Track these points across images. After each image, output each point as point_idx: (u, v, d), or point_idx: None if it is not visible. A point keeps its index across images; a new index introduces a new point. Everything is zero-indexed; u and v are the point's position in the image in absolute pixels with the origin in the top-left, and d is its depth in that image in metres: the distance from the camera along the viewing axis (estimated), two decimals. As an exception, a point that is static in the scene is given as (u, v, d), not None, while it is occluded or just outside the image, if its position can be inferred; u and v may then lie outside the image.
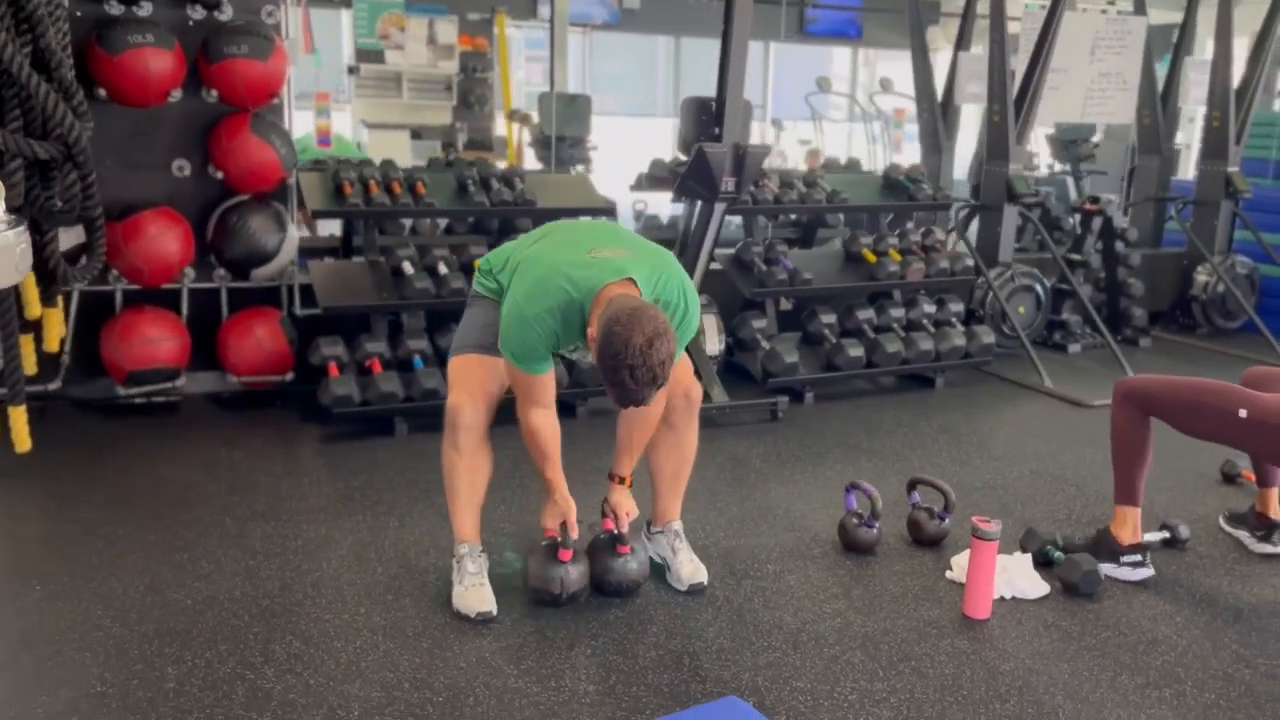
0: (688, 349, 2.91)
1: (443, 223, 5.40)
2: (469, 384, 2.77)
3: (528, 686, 2.48)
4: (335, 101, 13.45)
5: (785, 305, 5.38)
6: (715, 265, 5.02)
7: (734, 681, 2.53)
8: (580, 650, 2.65)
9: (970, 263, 5.35)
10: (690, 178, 4.31)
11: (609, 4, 14.22)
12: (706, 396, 4.47)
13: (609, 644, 2.69)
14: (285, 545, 3.19)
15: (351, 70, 12.22)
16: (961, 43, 6.18)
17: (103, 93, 4.09)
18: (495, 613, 2.79)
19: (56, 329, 3.91)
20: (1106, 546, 3.14)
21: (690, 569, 3.01)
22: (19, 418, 3.67)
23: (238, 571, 3.02)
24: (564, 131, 5.96)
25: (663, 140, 14.53)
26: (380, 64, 12.69)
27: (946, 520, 3.33)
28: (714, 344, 4.76)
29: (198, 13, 4.31)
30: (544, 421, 2.72)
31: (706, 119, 4.31)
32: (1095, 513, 3.63)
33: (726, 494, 3.74)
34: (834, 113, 14.21)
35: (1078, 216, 6.27)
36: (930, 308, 5.25)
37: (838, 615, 2.87)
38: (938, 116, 6.11)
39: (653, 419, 2.83)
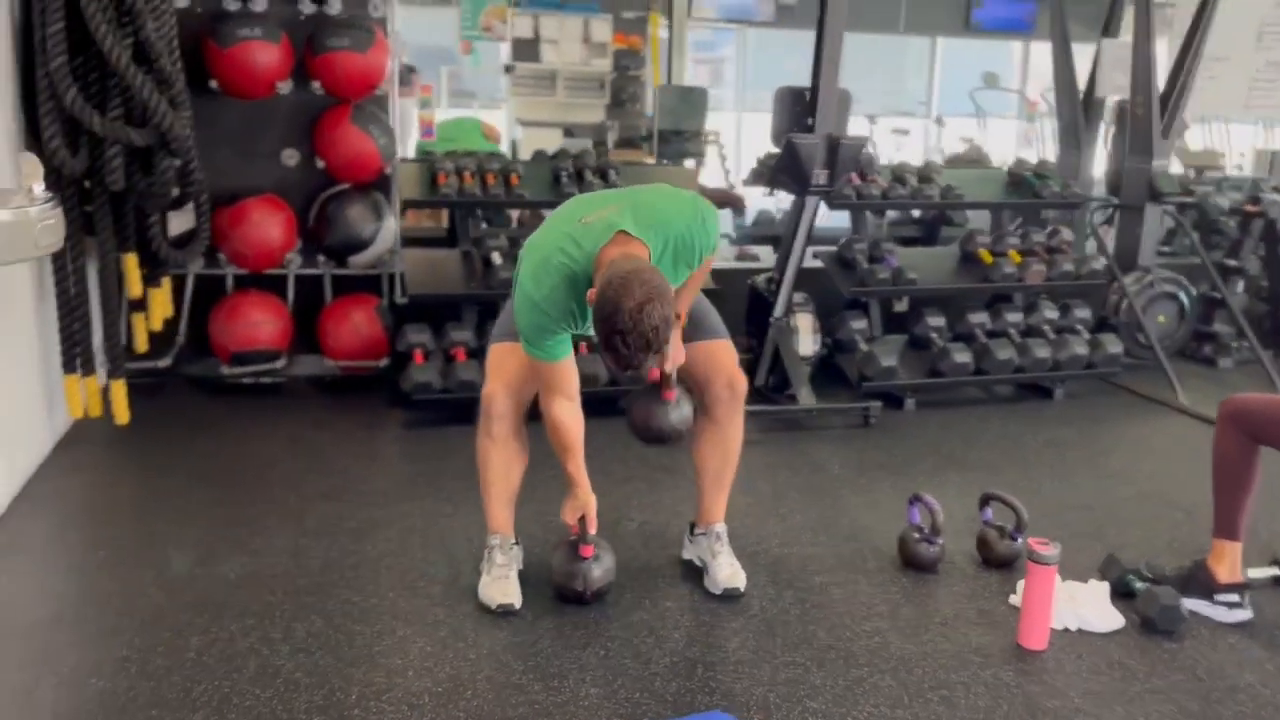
0: (714, 337, 2.80)
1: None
2: (503, 373, 2.74)
3: (529, 684, 2.43)
4: (492, 99, 13.83)
5: (900, 306, 5.13)
6: (815, 263, 4.84)
7: (744, 695, 2.40)
8: (593, 651, 2.58)
9: (1099, 266, 4.96)
10: (781, 170, 4.16)
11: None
12: (791, 398, 4.32)
13: (624, 646, 2.60)
14: (338, 526, 3.24)
15: (508, 69, 12.51)
16: (1108, 28, 5.75)
17: (214, 84, 4.27)
18: (517, 606, 2.75)
19: (160, 309, 4.11)
20: (1200, 582, 2.83)
21: (728, 573, 2.89)
22: (118, 391, 3.89)
23: (286, 549, 3.08)
24: (679, 125, 5.86)
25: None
26: (536, 62, 12.94)
27: (1019, 540, 3.08)
28: (808, 344, 4.58)
29: (308, 7, 4.44)
30: (566, 413, 2.65)
31: (800, 109, 4.14)
32: (1202, 543, 3.24)
33: (794, 499, 3.58)
34: (1006, 110, 13.60)
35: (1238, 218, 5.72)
36: (1052, 313, 4.91)
37: (876, 634, 2.69)
38: (1078, 109, 5.70)
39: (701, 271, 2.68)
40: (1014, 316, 4.85)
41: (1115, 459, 4.05)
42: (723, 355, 2.83)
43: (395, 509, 3.39)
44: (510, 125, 11.88)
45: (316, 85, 4.42)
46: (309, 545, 3.11)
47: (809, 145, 4.05)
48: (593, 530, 2.74)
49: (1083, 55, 5.77)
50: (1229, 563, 2.79)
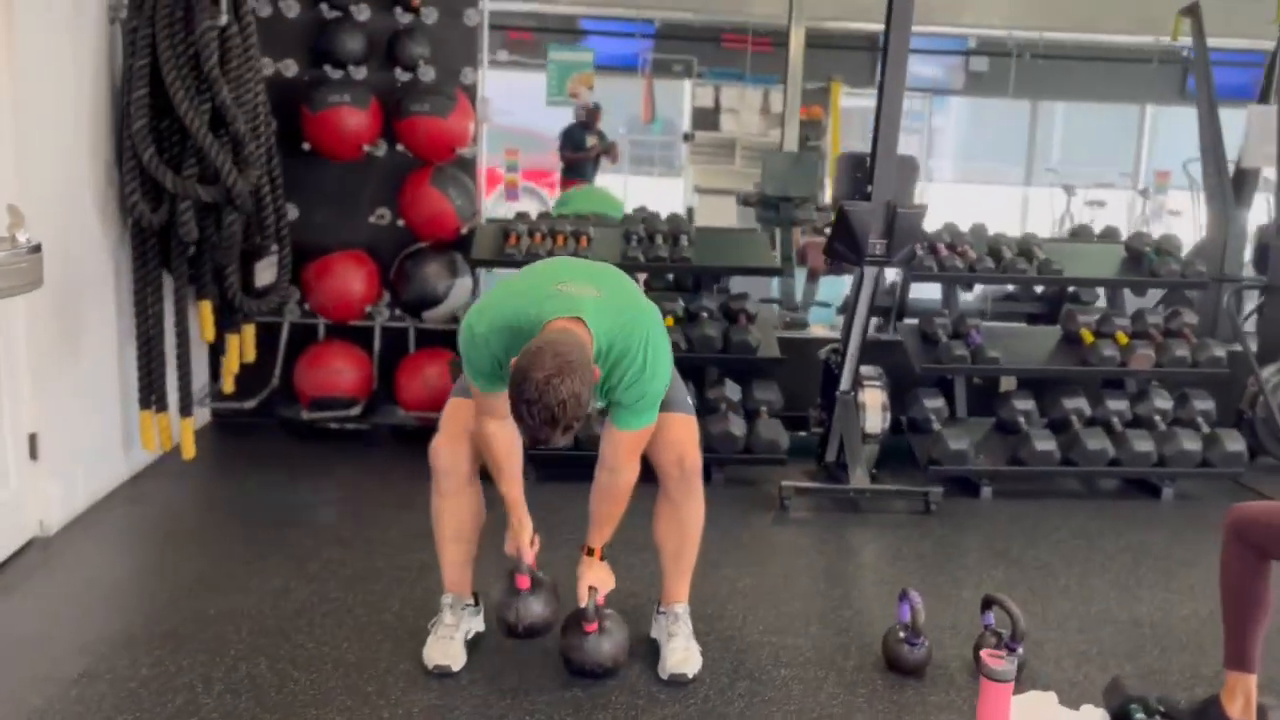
0: (669, 410, 2.67)
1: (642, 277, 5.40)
2: (451, 426, 2.72)
3: (423, 749, 2.38)
4: (670, 166, 14.07)
5: (1008, 386, 4.78)
6: (892, 336, 4.61)
7: (633, 790, 2.26)
8: (506, 723, 2.51)
9: (1221, 353, 4.44)
10: (836, 238, 3.99)
11: (954, 67, 13.64)
12: (834, 478, 4.10)
13: (539, 722, 2.51)
14: (334, 572, 3.32)
15: (687, 137, 12.73)
16: (1265, 95, 5.21)
17: (306, 146, 4.57)
18: (454, 669, 2.72)
19: (235, 354, 4.38)
20: (1213, 718, 2.44)
21: (678, 657, 2.75)
22: (186, 429, 4.17)
23: (273, 590, 3.18)
24: (786, 191, 5.74)
25: (1008, 207, 13.61)
26: (715, 131, 13.10)
27: (1017, 651, 2.76)
28: (875, 421, 4.33)
29: (405, 75, 4.68)
30: (496, 430, 2.56)
31: (861, 176, 3.97)
32: (1266, 674, 2.85)
33: (804, 584, 3.38)
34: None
35: None
36: (1164, 403, 4.43)
37: (812, 740, 2.48)
38: (1225, 180, 5.17)
39: (616, 488, 2.62)
40: (1118, 404, 4.42)
41: (1196, 572, 3.58)
42: (674, 430, 2.71)
43: (397, 559, 3.44)
44: (687, 193, 12.05)
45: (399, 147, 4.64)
46: (296, 588, 3.20)
47: (861, 213, 3.87)
48: (528, 560, 2.66)
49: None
50: (1242, 698, 2.40)
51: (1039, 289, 5.38)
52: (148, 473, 4.18)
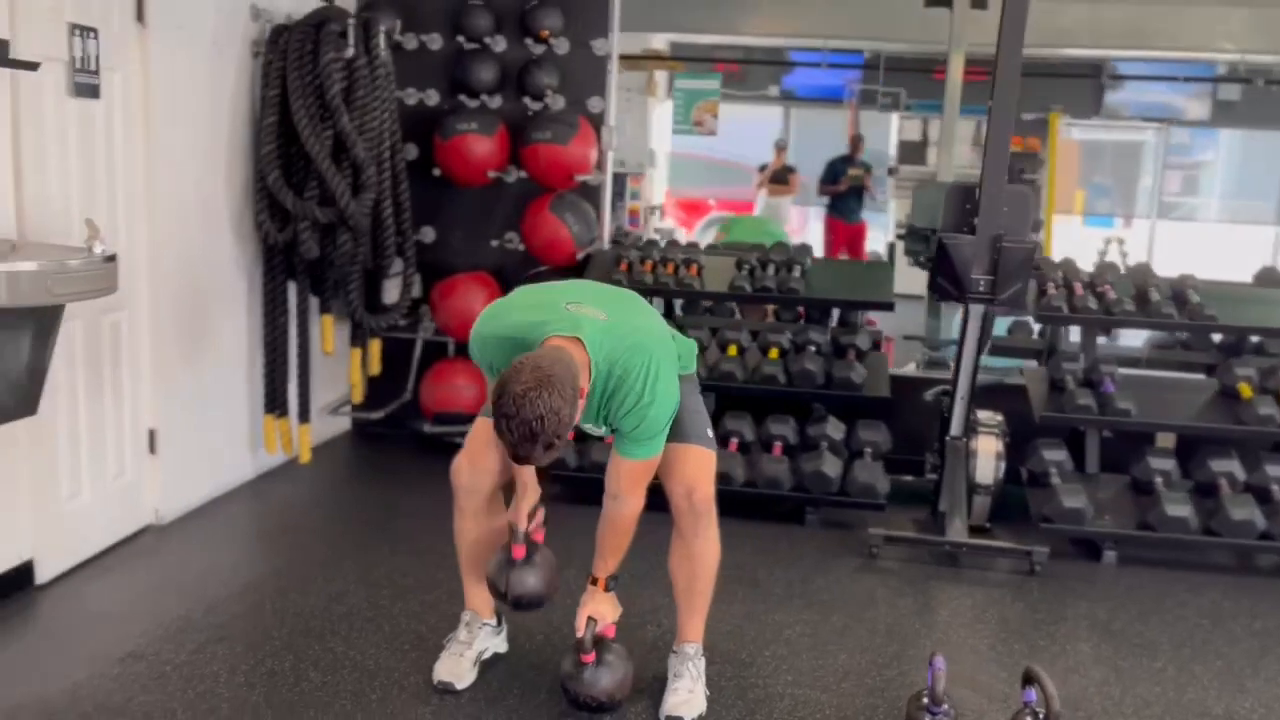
0: (681, 440, 2.59)
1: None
2: (474, 444, 2.75)
3: (394, 762, 2.41)
4: (872, 201, 13.70)
5: (1166, 442, 4.34)
6: (1015, 380, 4.29)
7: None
8: (484, 746, 2.50)
9: None
10: (938, 273, 3.75)
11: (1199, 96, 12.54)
12: (940, 529, 3.84)
13: (516, 750, 2.49)
14: (396, 580, 3.42)
15: (891, 171, 12.38)
16: None
17: (436, 171, 4.78)
18: (458, 687, 2.74)
19: (356, 367, 4.63)
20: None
21: (676, 699, 2.65)
22: (304, 434, 4.44)
23: (330, 593, 3.32)
24: (934, 223, 5.44)
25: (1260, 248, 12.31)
26: (921, 165, 12.66)
27: (1051, 735, 2.48)
28: (986, 470, 4.03)
29: (535, 104, 4.82)
30: None
31: (970, 208, 3.72)
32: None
33: (858, 638, 3.18)
34: None
35: None
36: (1340, 473, 3.88)
37: (789, 804, 2.32)
38: None
39: (620, 518, 2.56)
40: (1277, 470, 3.90)
41: (1332, 667, 3.10)
42: (684, 462, 2.62)
43: (458, 574, 3.48)
44: (892, 228, 11.71)
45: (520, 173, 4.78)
46: (352, 592, 3.32)
47: (962, 246, 3.62)
48: (522, 527, 2.63)
49: None
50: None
51: (1216, 337, 4.84)
52: (273, 474, 4.47)
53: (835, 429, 4.21)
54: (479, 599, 2.86)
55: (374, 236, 4.36)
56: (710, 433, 2.72)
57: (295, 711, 2.61)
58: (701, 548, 2.67)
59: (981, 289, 3.66)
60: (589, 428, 2.55)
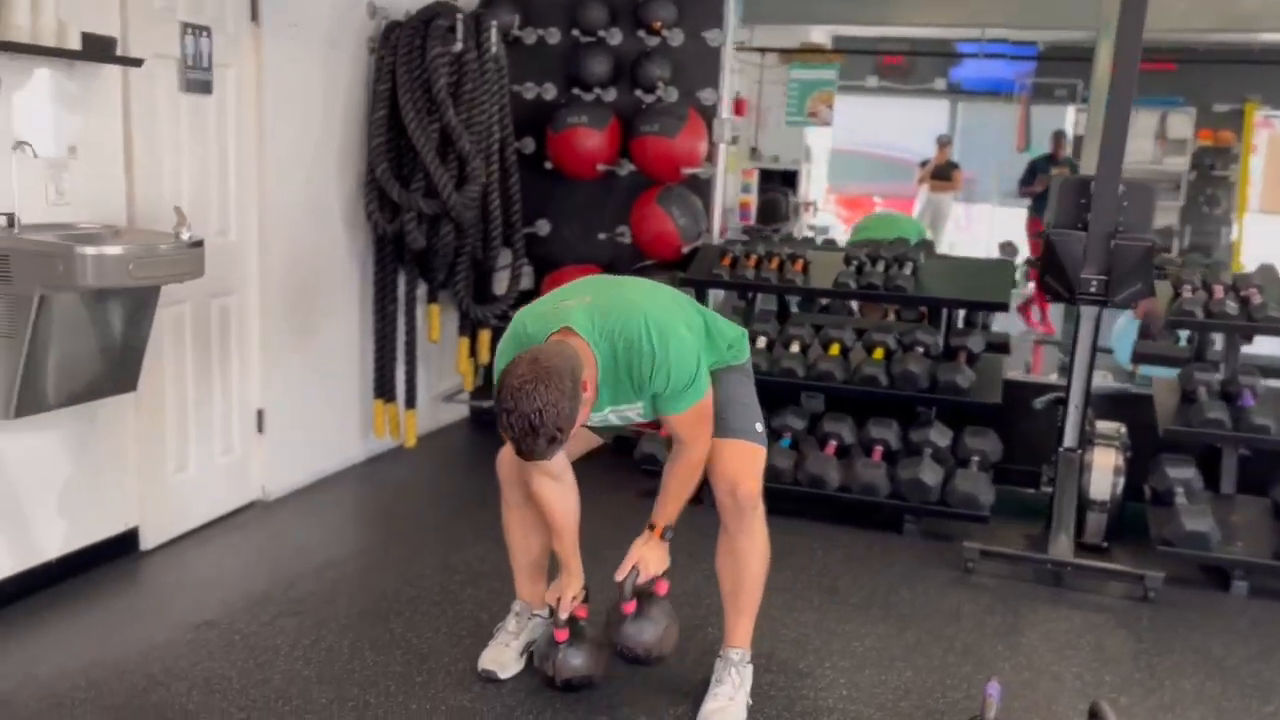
0: (725, 435, 2.51)
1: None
2: None
3: (421, 745, 2.44)
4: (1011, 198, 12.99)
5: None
6: (1137, 388, 3.96)
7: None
8: (512, 737, 2.49)
9: None
10: (1046, 272, 3.50)
11: None
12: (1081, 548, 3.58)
13: (542, 743, 2.47)
14: (471, 567, 3.45)
15: (1072, 168, 11.73)
16: None
17: (548, 164, 4.82)
18: (502, 676, 2.75)
19: (464, 355, 4.72)
20: None
21: (714, 706, 2.57)
22: (410, 419, 4.56)
23: (407, 576, 3.39)
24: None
25: None
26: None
27: (1115, 777, 2.27)
28: (1102, 485, 3.74)
29: (649, 97, 4.79)
30: (546, 490, 2.60)
31: (1084, 203, 3.46)
32: None
33: (927, 657, 3.00)
34: None
35: None
36: None
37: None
38: None
39: (688, 461, 2.50)
40: None
41: None
42: (728, 456, 2.54)
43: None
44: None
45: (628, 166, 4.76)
46: (425, 577, 3.38)
47: (1068, 243, 3.36)
48: (564, 614, 2.63)
49: None
50: None
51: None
52: (383, 458, 4.62)
53: (941, 435, 4.00)
54: (529, 590, 2.85)
55: (482, 228, 4.44)
56: (760, 427, 2.62)
57: (341, 687, 2.68)
58: (746, 545, 2.58)
59: (1093, 289, 3.39)
60: (636, 413, 2.49)
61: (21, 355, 2.75)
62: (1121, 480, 3.75)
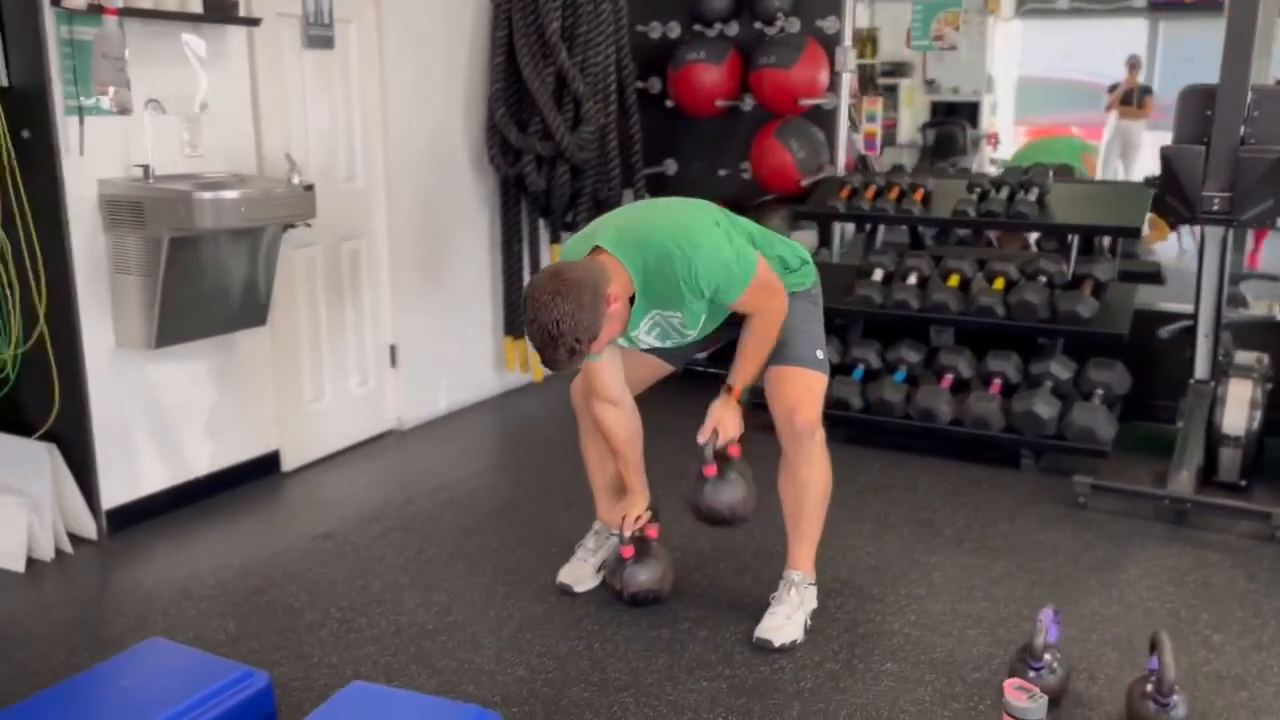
0: (783, 363, 2.54)
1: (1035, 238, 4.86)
2: (586, 369, 2.85)
3: (485, 643, 2.62)
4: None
5: None
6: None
7: (619, 728, 2.28)
8: (572, 646, 2.64)
9: None
10: (1165, 190, 3.29)
11: None
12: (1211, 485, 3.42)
13: (606, 656, 2.60)
14: (576, 492, 3.52)
15: (1293, 85, 10.70)
16: None
17: (669, 103, 4.87)
18: (576, 590, 2.90)
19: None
20: None
21: (771, 624, 2.63)
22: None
23: (521, 498, 3.61)
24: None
25: None
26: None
27: (1170, 706, 2.19)
28: (1237, 419, 3.50)
29: (771, 29, 4.75)
30: (607, 415, 2.71)
31: (1211, 114, 3.21)
32: None
33: (1008, 589, 2.94)
34: None
35: None
36: None
37: (841, 737, 2.25)
38: None
39: (763, 325, 2.52)
40: None
41: None
42: (787, 383, 2.56)
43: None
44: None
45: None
46: (527, 499, 3.59)
47: (1186, 156, 3.14)
48: (628, 532, 2.74)
49: None
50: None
51: None
52: (517, 392, 4.86)
53: (1063, 368, 3.84)
54: (608, 511, 2.98)
55: (601, 169, 4.54)
56: (820, 354, 2.63)
57: (430, 594, 2.90)
58: (806, 473, 2.61)
59: (1216, 207, 3.16)
60: (679, 321, 2.52)
61: (157, 292, 3.07)
62: (1259, 414, 3.49)
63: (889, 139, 9.73)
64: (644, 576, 2.76)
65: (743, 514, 2.66)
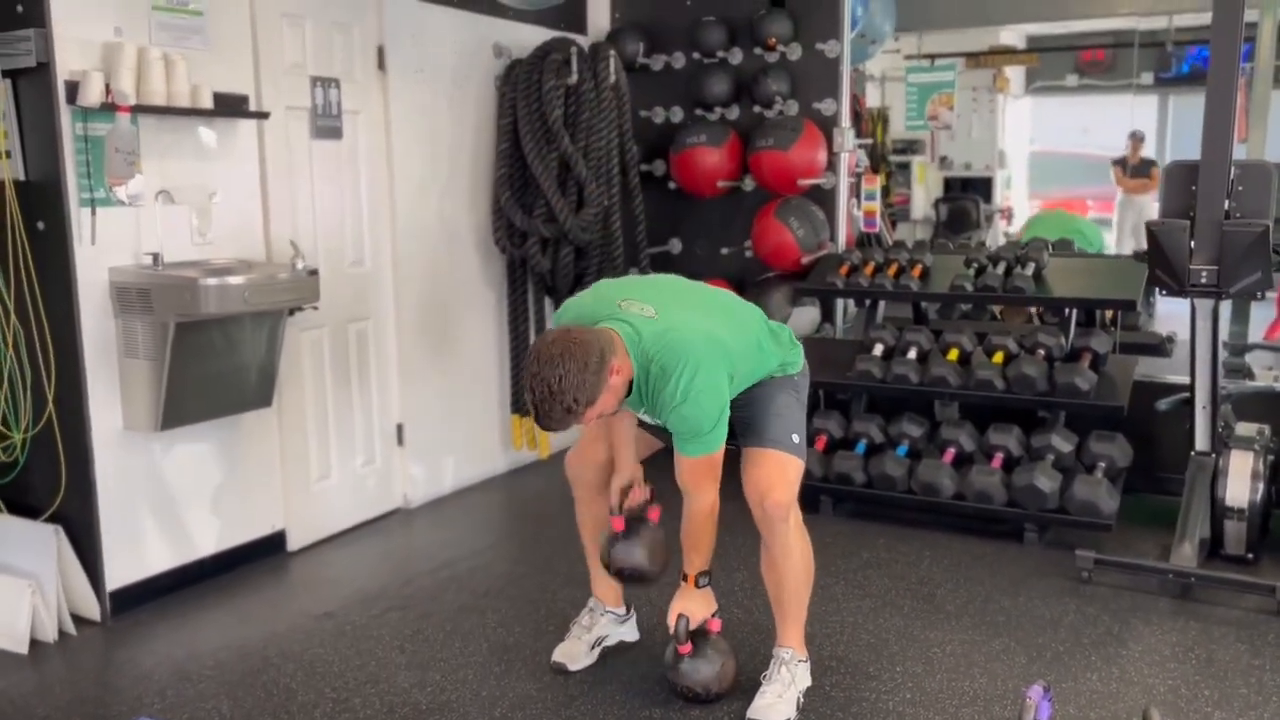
0: (757, 444, 2.57)
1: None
2: (582, 438, 2.90)
3: (479, 727, 2.62)
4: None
5: None
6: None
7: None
8: (564, 723, 2.63)
9: None
10: (1153, 264, 3.32)
11: None
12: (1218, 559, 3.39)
13: (590, 730, 2.59)
14: (576, 570, 3.59)
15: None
16: None
17: (671, 184, 4.99)
18: (571, 669, 2.90)
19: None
20: None
21: (762, 703, 2.62)
22: (545, 433, 4.80)
23: (517, 575, 3.61)
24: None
25: None
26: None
27: (1161, 789, 2.15)
28: (1239, 491, 3.47)
29: (770, 111, 4.87)
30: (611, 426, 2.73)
31: (1196, 190, 3.26)
32: None
33: (1008, 665, 2.91)
34: None
35: None
36: None
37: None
38: None
39: (692, 514, 2.57)
40: None
41: None
42: (760, 467, 2.58)
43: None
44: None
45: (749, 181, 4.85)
46: (527, 577, 3.59)
47: (1172, 232, 3.18)
48: (614, 502, 2.71)
49: None
50: None
51: None
52: (524, 469, 4.89)
53: (1064, 440, 3.84)
54: (603, 586, 2.99)
55: (605, 249, 4.64)
56: (797, 439, 2.64)
57: (425, 672, 2.91)
58: (780, 555, 2.62)
59: (1204, 280, 3.19)
60: (643, 415, 2.58)
61: (164, 375, 3.15)
62: (1261, 486, 3.47)
63: (903, 215, 9.87)
64: (636, 554, 2.69)
65: (719, 690, 2.68)
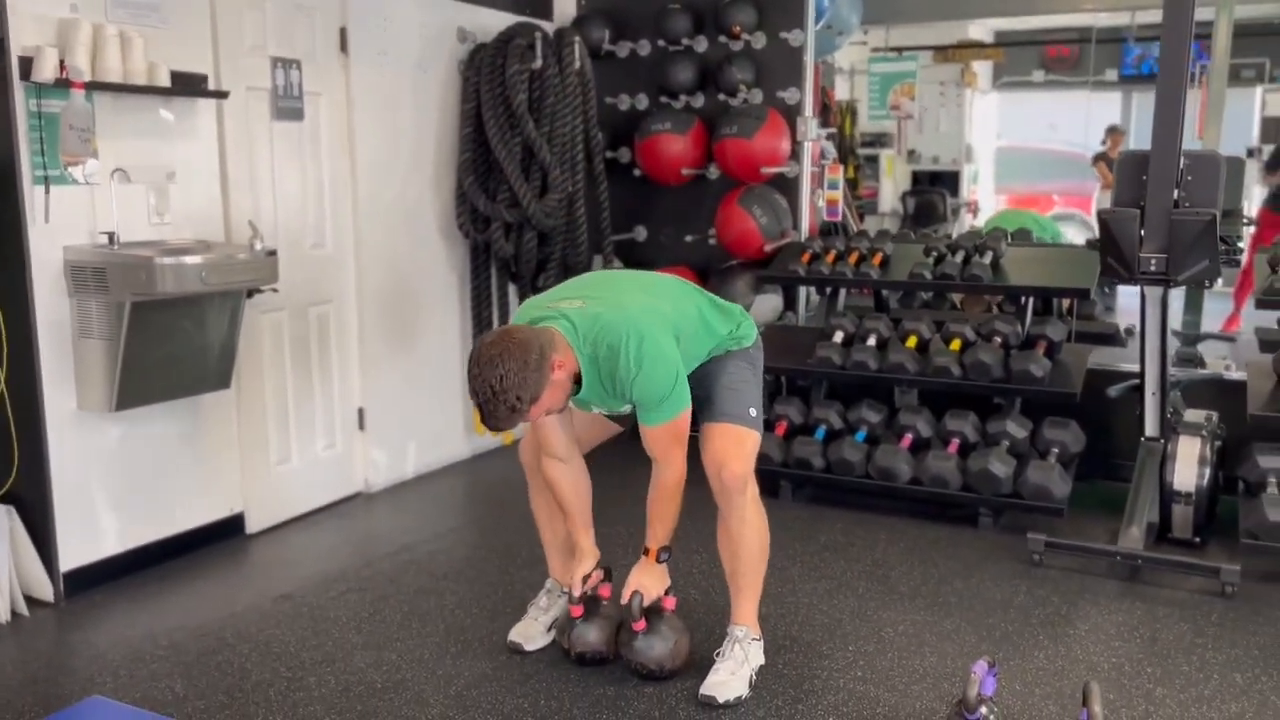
0: (715, 419, 2.60)
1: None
2: (536, 429, 2.91)
3: (432, 699, 2.63)
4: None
5: None
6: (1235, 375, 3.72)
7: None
8: (516, 705, 2.64)
9: None
10: (1105, 251, 3.38)
11: None
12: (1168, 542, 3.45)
13: (549, 714, 2.61)
14: (535, 553, 3.61)
15: (1251, 154, 10.91)
16: None
17: (637, 171, 5.00)
18: (527, 649, 2.92)
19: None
20: None
21: (715, 680, 2.65)
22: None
23: (474, 560, 3.63)
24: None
25: None
26: (1306, 147, 11.08)
27: (1099, 760, 2.20)
28: (1186, 476, 3.54)
29: (735, 100, 4.89)
30: (554, 471, 2.75)
31: (1148, 178, 3.32)
32: None
33: (960, 645, 2.96)
34: None
35: None
36: None
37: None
38: None
39: (660, 483, 2.62)
40: None
41: None
42: (716, 440, 2.62)
43: (611, 556, 3.60)
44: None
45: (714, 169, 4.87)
46: (484, 560, 3.61)
47: (1120, 220, 3.23)
48: (577, 592, 2.76)
49: None
50: None
51: None
52: (488, 455, 4.89)
53: (1019, 427, 3.89)
54: (560, 569, 3.00)
55: (569, 235, 4.65)
56: (754, 412, 2.68)
57: (381, 652, 2.92)
58: (737, 528, 2.65)
59: (1154, 268, 3.25)
60: (612, 406, 2.61)
61: (119, 355, 3.13)
62: (1208, 471, 3.54)
63: (871, 208, 9.94)
64: (591, 637, 2.78)
65: (673, 667, 2.72)
